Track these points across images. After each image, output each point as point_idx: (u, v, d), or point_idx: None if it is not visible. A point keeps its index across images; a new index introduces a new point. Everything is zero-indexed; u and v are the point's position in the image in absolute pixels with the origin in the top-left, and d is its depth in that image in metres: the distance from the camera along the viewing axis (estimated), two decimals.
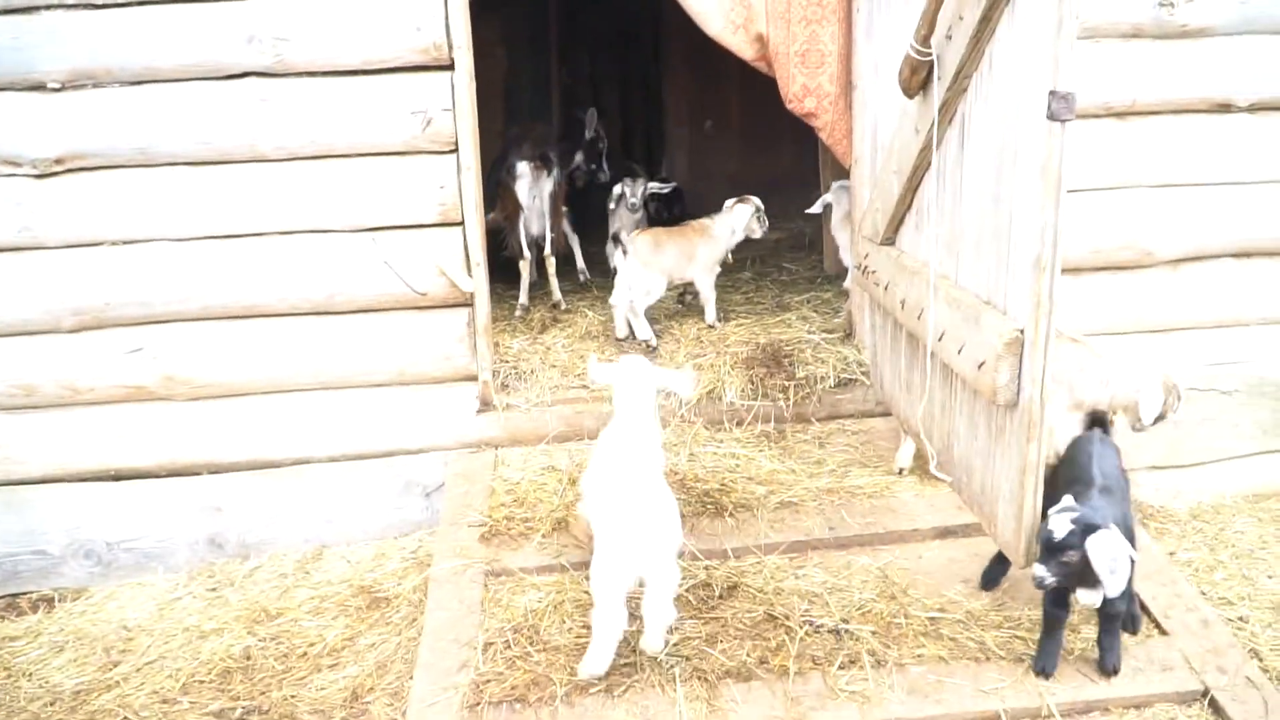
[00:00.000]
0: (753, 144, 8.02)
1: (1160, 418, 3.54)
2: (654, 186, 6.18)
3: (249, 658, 3.70)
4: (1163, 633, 3.23)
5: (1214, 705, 2.96)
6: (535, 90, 8.28)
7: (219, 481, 4.46)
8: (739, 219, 5.42)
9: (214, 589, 4.23)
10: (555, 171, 5.82)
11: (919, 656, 3.14)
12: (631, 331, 5.20)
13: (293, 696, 3.48)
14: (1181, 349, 4.66)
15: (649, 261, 5.14)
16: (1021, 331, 2.85)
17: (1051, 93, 2.68)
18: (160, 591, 4.28)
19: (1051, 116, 2.68)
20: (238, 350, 4.38)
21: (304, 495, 4.48)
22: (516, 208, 5.68)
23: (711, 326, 5.32)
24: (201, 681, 3.62)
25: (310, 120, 4.17)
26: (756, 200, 5.48)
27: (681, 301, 5.77)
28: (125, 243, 4.24)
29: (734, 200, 5.47)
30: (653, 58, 9.33)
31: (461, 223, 4.35)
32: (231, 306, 4.33)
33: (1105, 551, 2.74)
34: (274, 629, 3.86)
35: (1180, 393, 3.57)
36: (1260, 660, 3.25)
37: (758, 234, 5.49)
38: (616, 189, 6.07)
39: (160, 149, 4.15)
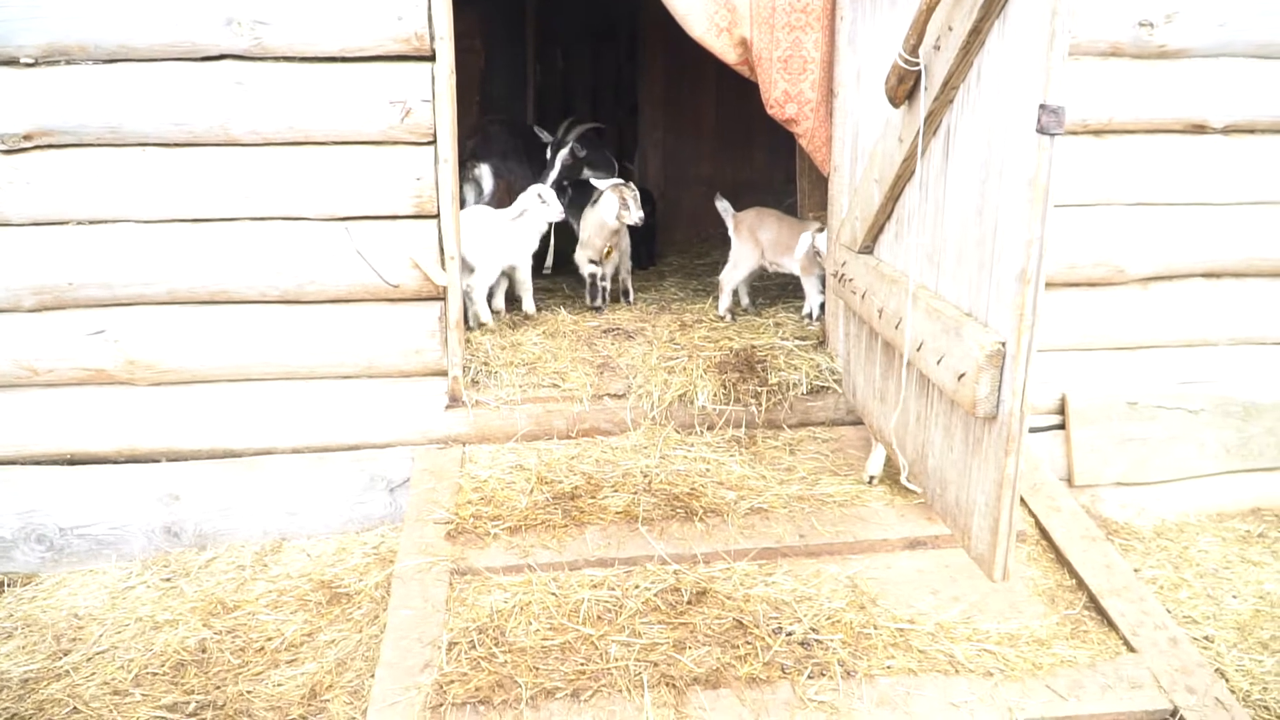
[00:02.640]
0: (727, 147, 8.01)
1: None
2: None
3: (204, 650, 3.61)
4: (1131, 650, 3.24)
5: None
6: (510, 85, 8.23)
7: (178, 469, 4.35)
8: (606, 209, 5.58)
9: (169, 579, 4.13)
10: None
11: (888, 668, 3.12)
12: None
13: (249, 692, 3.39)
14: (1151, 367, 4.71)
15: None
16: (1003, 344, 2.85)
17: (1042, 106, 2.68)
18: (113, 580, 4.17)
19: (1041, 130, 2.68)
20: (203, 336, 4.29)
21: (265, 486, 4.38)
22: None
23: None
24: (154, 674, 3.52)
25: (286, 106, 4.08)
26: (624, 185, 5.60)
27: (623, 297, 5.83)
28: (91, 222, 4.12)
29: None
30: (628, 58, 9.30)
31: (437, 215, 4.29)
32: (198, 291, 4.23)
33: None
34: (230, 622, 3.77)
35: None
36: (1226, 680, 3.27)
37: (630, 220, 5.55)
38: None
39: (131, 128, 4.04)
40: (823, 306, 5.19)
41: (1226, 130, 4.50)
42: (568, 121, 6.53)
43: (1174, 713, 2.98)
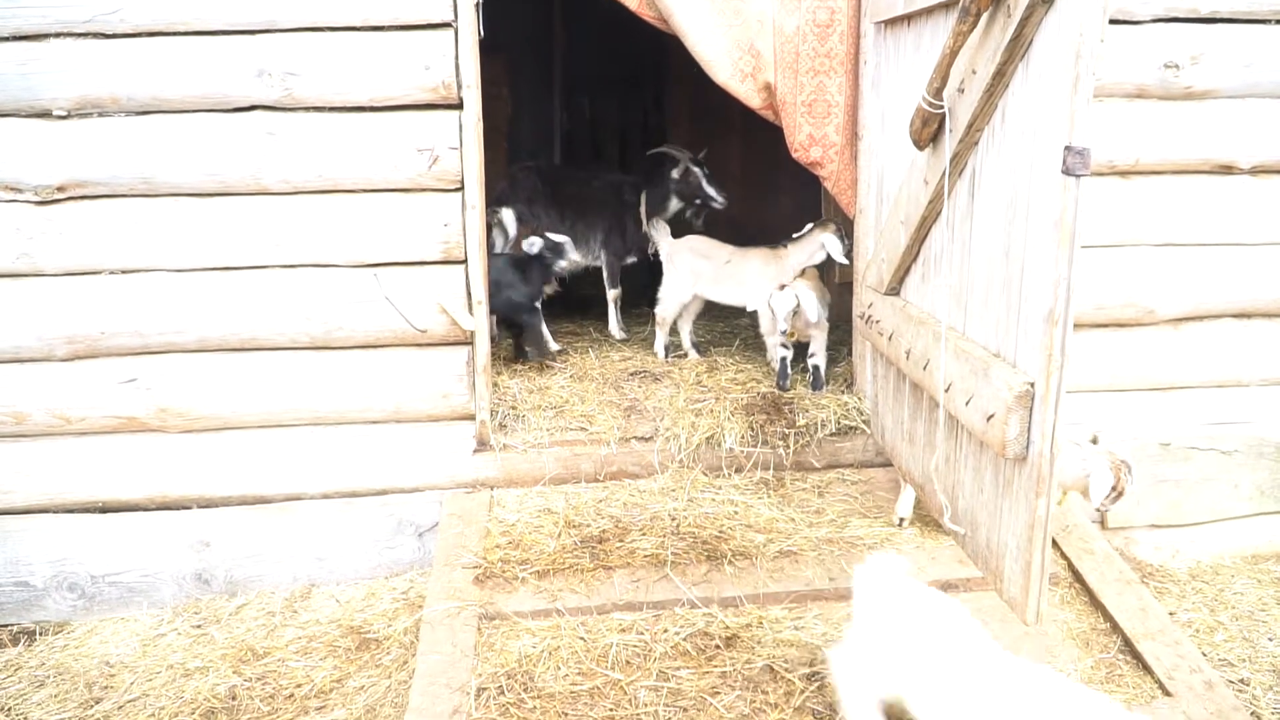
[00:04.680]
0: (753, 191, 8.06)
1: (1117, 494, 3.50)
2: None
3: (234, 698, 3.61)
4: (1167, 694, 3.18)
5: None
6: (538, 131, 8.34)
7: (208, 516, 4.38)
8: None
9: (199, 626, 4.14)
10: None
11: None
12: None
13: None
14: (1182, 408, 4.67)
15: None
16: (1032, 385, 2.84)
17: (1067, 148, 2.68)
18: (144, 627, 4.19)
19: (1067, 171, 2.68)
20: (233, 383, 4.33)
21: (294, 532, 4.40)
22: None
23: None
24: None
25: (316, 155, 4.15)
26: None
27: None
28: (124, 272, 4.20)
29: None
30: (654, 105, 9.41)
31: (464, 260, 4.33)
32: (229, 339, 4.29)
33: None
34: (260, 669, 3.77)
35: (1131, 467, 3.52)
36: None
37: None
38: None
39: (163, 179, 4.13)
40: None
41: (1254, 170, 4.49)
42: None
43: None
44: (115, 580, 4.31)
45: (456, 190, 4.27)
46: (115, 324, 4.22)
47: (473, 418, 4.49)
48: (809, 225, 5.28)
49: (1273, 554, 4.57)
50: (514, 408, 4.78)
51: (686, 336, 5.74)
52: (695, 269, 5.49)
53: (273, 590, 4.34)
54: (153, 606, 4.31)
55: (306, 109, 4.13)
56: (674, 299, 5.54)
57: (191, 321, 4.25)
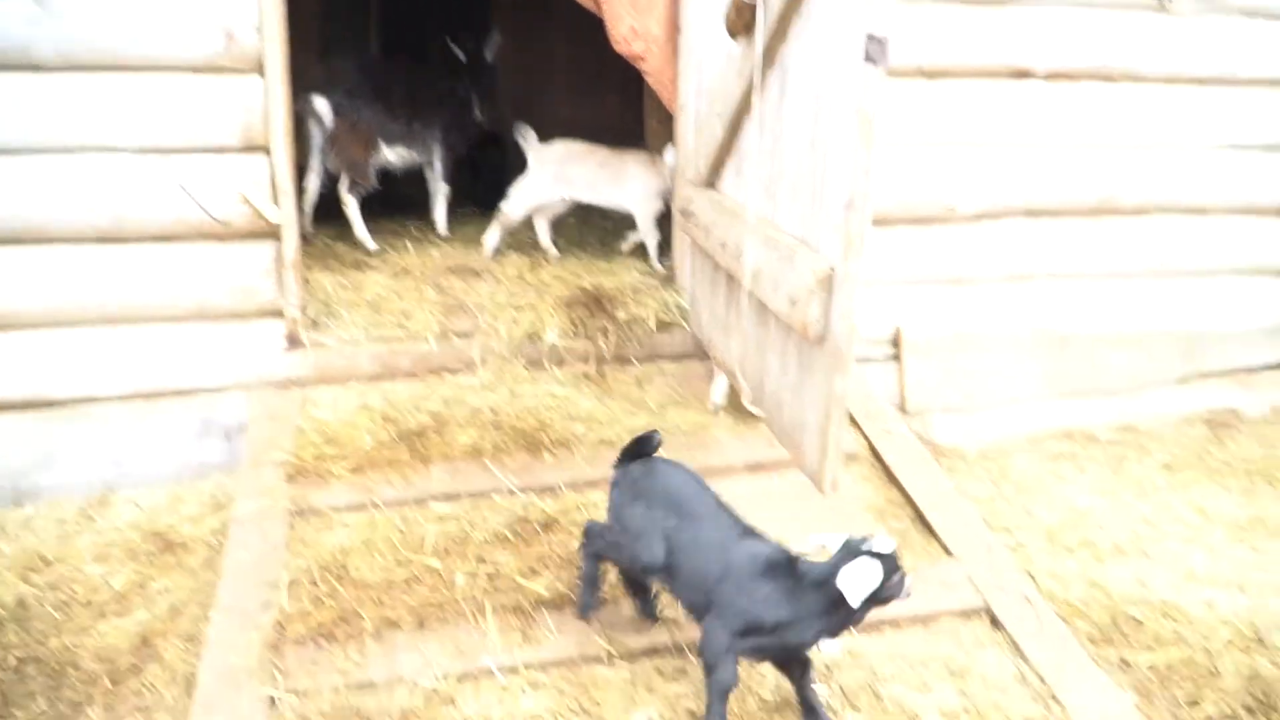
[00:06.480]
0: (579, 88, 7.93)
1: None
2: None
3: (24, 607, 3.41)
4: (951, 556, 3.45)
5: (993, 619, 3.21)
6: (354, 22, 7.90)
7: None
8: None
9: None
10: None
11: None
12: None
13: (75, 645, 3.22)
14: (978, 301, 4.97)
15: None
16: (832, 268, 2.95)
17: (869, 36, 2.75)
18: None
19: (868, 59, 2.76)
20: (11, 279, 3.99)
21: (89, 437, 4.14)
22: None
23: None
24: None
25: (96, 27, 3.80)
26: None
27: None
28: None
29: None
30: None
31: (268, 149, 4.09)
32: (2, 231, 3.93)
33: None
34: (52, 576, 3.56)
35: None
36: (1035, 582, 3.52)
37: None
38: None
39: None
40: (661, 244, 5.23)
41: (1049, 76, 4.75)
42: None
43: (985, 609, 3.21)
44: None
45: (257, 73, 4.01)
46: None
47: (282, 315, 4.31)
48: None
49: (1051, 434, 4.98)
50: (327, 304, 4.61)
51: (545, 234, 5.64)
52: (566, 175, 5.38)
53: (65, 498, 4.08)
54: None
55: None
56: (526, 201, 5.40)
57: None
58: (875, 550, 2.44)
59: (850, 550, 2.47)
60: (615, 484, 2.97)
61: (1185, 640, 3.24)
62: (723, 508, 2.81)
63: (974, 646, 3.15)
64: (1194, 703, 2.96)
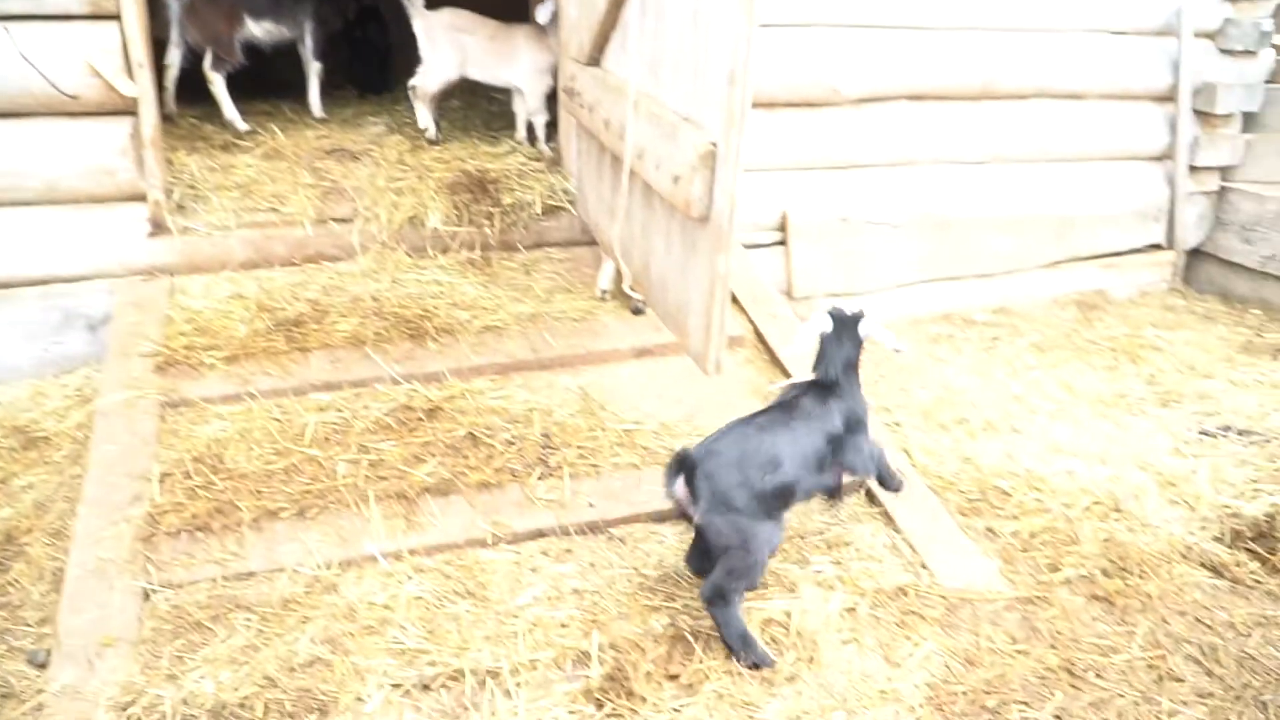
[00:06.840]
0: None
1: None
2: None
3: None
4: None
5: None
6: None
7: None
8: None
9: None
10: None
11: (615, 465, 3.26)
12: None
13: None
14: (862, 185, 5.00)
15: None
16: (715, 144, 2.90)
17: None
18: None
19: None
20: None
21: None
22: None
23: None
24: None
25: None
26: None
27: None
28: None
29: None
30: None
31: (118, 15, 3.79)
32: None
33: None
34: None
35: None
36: (910, 456, 3.65)
37: None
38: None
39: None
40: (549, 125, 5.09)
41: None
42: None
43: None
44: None
45: None
46: None
47: (144, 198, 4.06)
48: None
49: (930, 317, 5.13)
50: (194, 188, 4.36)
51: (426, 114, 5.31)
52: (460, 44, 5.07)
53: None
54: None
55: None
56: (438, 75, 5.08)
57: None
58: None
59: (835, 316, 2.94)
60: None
61: (1048, 509, 3.42)
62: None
63: (850, 520, 3.26)
64: (1054, 567, 3.14)
